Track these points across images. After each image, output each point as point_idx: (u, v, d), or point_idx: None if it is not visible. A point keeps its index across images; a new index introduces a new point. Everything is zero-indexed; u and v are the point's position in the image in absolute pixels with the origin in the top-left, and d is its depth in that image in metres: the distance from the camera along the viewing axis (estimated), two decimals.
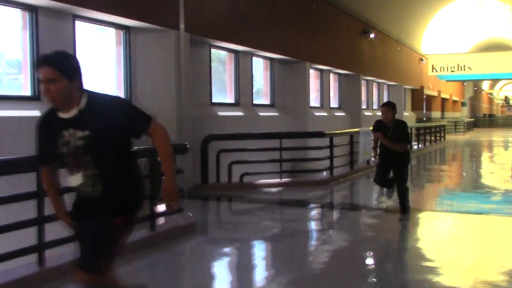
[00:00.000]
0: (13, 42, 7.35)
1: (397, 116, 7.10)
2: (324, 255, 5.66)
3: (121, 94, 9.28)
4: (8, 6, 7.13)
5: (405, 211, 7.24)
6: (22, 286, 4.26)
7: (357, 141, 11.87)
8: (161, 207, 6.44)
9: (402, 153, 7.05)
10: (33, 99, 7.39)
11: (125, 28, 9.21)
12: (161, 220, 6.26)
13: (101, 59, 9.06)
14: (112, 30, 9.11)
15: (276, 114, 14.22)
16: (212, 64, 11.70)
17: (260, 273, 5.20)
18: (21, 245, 4.42)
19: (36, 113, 7.19)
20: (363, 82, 20.82)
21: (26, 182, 4.46)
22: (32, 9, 7.34)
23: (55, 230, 4.63)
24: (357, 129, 12.41)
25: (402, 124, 7.14)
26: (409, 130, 6.79)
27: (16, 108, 7.04)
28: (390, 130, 6.93)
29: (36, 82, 7.43)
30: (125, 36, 9.29)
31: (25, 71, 7.43)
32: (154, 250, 5.55)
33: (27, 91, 7.42)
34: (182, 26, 9.52)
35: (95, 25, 8.70)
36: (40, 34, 7.40)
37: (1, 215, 4.40)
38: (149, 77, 9.45)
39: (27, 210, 4.53)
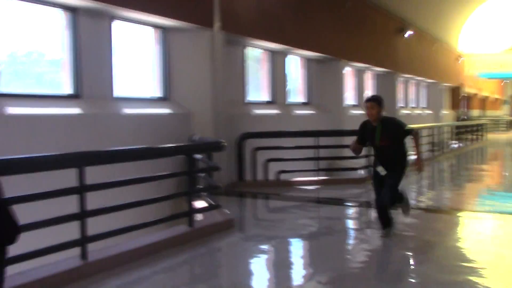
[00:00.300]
0: (55, 42, 7.52)
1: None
2: (362, 254, 5.59)
3: (159, 93, 9.40)
4: (50, 6, 7.30)
5: (388, 224, 5.94)
6: (66, 279, 4.35)
7: None
8: (199, 204, 6.50)
9: (400, 156, 5.80)
10: (73, 97, 7.56)
11: (162, 28, 9.32)
12: (199, 217, 6.30)
13: (139, 58, 9.18)
14: (150, 29, 9.23)
15: (311, 112, 14.15)
16: (247, 63, 11.72)
17: (297, 271, 5.17)
18: (65, 239, 4.52)
19: (75, 110, 7.37)
20: (399, 80, 20.50)
21: (68, 177, 4.56)
22: (73, 10, 7.51)
23: (97, 225, 4.75)
24: None
25: (392, 120, 5.86)
26: (405, 126, 5.76)
27: (56, 106, 7.21)
28: (377, 130, 5.69)
29: (76, 80, 7.61)
30: (162, 35, 9.40)
31: (65, 70, 7.60)
32: (192, 246, 5.59)
33: (67, 90, 7.59)
34: (217, 25, 9.56)
35: (134, 24, 8.82)
36: (80, 34, 7.57)
37: (46, 209, 4.50)
38: (185, 76, 9.53)
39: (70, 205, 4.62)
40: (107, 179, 4.97)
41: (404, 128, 5.77)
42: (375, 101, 5.76)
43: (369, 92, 18.61)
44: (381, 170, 5.79)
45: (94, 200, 4.73)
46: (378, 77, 19.41)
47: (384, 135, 5.67)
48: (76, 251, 4.61)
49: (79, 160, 4.57)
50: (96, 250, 4.79)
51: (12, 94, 6.75)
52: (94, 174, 4.78)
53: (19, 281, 4.09)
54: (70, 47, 7.56)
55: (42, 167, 4.50)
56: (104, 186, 4.91)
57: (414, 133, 5.83)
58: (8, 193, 4.07)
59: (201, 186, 6.95)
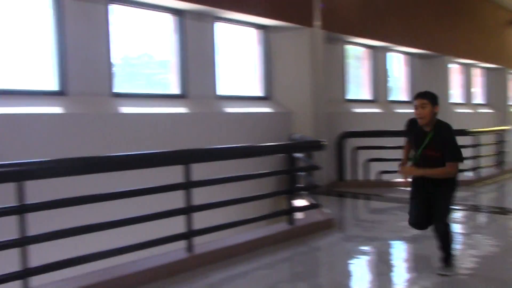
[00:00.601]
0: (163, 45, 7.92)
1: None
2: (470, 260, 5.31)
3: (260, 92, 9.57)
4: (160, 11, 7.71)
5: (448, 263, 4.67)
6: (173, 270, 4.58)
7: (503, 141, 10.99)
8: (299, 203, 6.54)
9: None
10: (180, 97, 7.92)
11: (263, 27, 9.46)
12: (299, 216, 6.34)
13: (241, 58, 9.40)
14: (251, 30, 9.42)
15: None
16: (347, 61, 11.57)
17: (400, 274, 5.03)
18: (172, 232, 4.75)
19: (182, 109, 7.72)
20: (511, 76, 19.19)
21: (175, 174, 4.78)
22: (180, 13, 7.87)
23: (202, 219, 4.94)
24: (507, 127, 11.51)
25: (445, 128, 4.43)
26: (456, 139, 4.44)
27: (164, 105, 7.60)
28: (427, 137, 4.42)
29: (182, 81, 7.97)
30: (263, 35, 9.55)
31: (173, 71, 7.99)
32: (292, 244, 5.64)
33: (174, 90, 7.98)
34: (317, 23, 9.54)
35: (235, 25, 9.05)
36: (186, 36, 7.91)
37: (154, 203, 4.76)
38: (286, 75, 9.61)
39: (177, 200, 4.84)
40: (207, 176, 5.13)
41: (451, 144, 4.39)
42: (427, 98, 4.39)
43: (476, 89, 17.63)
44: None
45: (198, 196, 4.92)
46: (488, 74, 18.29)
47: (432, 145, 4.40)
48: (182, 244, 4.83)
49: (186, 157, 4.78)
50: (201, 244, 4.99)
51: (125, 94, 7.21)
52: (196, 171, 4.96)
53: (133, 269, 4.37)
54: (177, 49, 7.93)
55: (152, 163, 4.77)
56: (209, 183, 5.10)
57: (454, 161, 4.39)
58: (123, 187, 4.38)
59: (301, 185, 6.97)
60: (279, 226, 5.90)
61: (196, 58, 8.06)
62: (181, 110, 7.74)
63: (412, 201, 4.77)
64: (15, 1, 6.14)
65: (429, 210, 4.60)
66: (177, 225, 4.83)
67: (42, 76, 6.44)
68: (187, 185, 4.76)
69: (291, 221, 5.89)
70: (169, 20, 7.89)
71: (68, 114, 6.31)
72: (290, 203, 5.94)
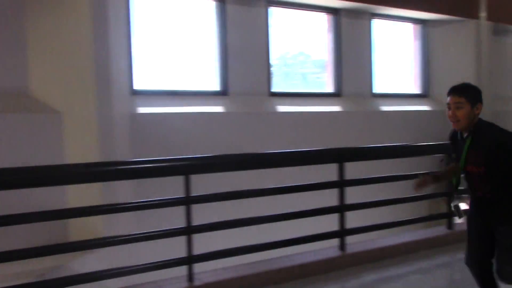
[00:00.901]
0: (319, 44, 8.02)
1: None
2: None
3: (418, 89, 9.21)
4: (315, 11, 7.82)
5: None
6: (325, 267, 4.62)
7: None
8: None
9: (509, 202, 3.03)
10: (335, 95, 7.96)
11: (421, 22, 9.07)
12: (459, 220, 5.97)
13: (397, 54, 9.13)
14: (408, 25, 9.09)
15: None
16: None
17: None
18: (321, 230, 4.79)
19: (336, 108, 7.74)
20: None
21: (330, 172, 4.82)
22: (335, 12, 7.89)
23: (355, 219, 4.92)
24: None
25: (490, 129, 3.10)
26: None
27: (319, 104, 7.69)
28: (465, 146, 3.12)
29: (337, 79, 7.99)
30: (421, 30, 9.15)
31: (328, 70, 8.05)
32: (451, 249, 5.34)
33: (329, 89, 8.03)
34: (482, 15, 8.86)
35: (392, 21, 8.81)
36: (341, 34, 7.91)
37: (299, 201, 4.85)
38: (446, 71, 9.09)
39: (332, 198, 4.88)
40: (359, 175, 5.06)
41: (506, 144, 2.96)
42: (462, 94, 3.13)
43: None
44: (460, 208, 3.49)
45: (351, 194, 4.90)
46: None
47: (472, 155, 3.09)
48: (334, 242, 4.86)
49: (341, 155, 4.79)
50: (353, 243, 4.97)
51: (281, 93, 7.45)
52: (349, 169, 4.94)
53: (284, 264, 4.51)
54: (332, 48, 7.97)
55: (307, 161, 4.88)
56: (363, 182, 5.05)
57: None
58: (273, 184, 4.53)
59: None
60: (437, 229, 5.62)
61: (351, 56, 8.02)
62: (336, 108, 7.77)
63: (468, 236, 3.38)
64: (182, 10, 6.71)
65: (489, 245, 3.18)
66: (325, 223, 4.85)
67: (206, 78, 6.94)
68: (341, 184, 4.77)
69: (450, 225, 5.58)
70: (324, 19, 7.96)
71: (229, 113, 6.71)
72: (449, 206, 5.63)
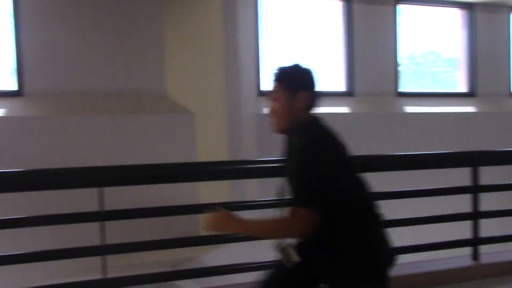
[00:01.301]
0: (451, 41, 7.61)
1: None
2: None
3: None
4: (447, 6, 7.43)
5: None
6: (455, 276, 4.38)
7: None
8: None
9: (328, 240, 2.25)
10: (468, 95, 7.50)
11: None
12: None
13: None
14: None
15: None
16: None
17: None
18: (456, 237, 4.55)
19: (470, 109, 7.30)
20: None
21: (462, 176, 4.56)
22: (469, 7, 7.44)
23: (490, 227, 4.61)
24: None
25: (304, 140, 2.27)
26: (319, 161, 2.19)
27: (451, 104, 7.30)
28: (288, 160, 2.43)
29: (471, 78, 7.52)
30: None
31: (461, 68, 7.60)
32: None
33: (462, 88, 7.59)
34: None
35: None
36: (476, 30, 7.43)
37: (440, 206, 4.64)
38: None
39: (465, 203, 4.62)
40: (494, 180, 4.72)
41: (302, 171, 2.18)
42: (278, 81, 2.36)
43: None
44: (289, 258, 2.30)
45: (486, 201, 4.60)
46: None
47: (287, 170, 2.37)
48: (466, 250, 4.58)
49: (476, 159, 4.51)
50: (488, 253, 4.64)
51: (410, 94, 7.19)
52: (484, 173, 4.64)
53: (410, 271, 4.34)
54: (466, 45, 7.52)
55: (439, 164, 4.65)
56: (500, 188, 4.72)
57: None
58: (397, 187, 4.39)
59: None
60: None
61: (487, 53, 7.50)
62: (470, 109, 7.32)
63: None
64: (309, 10, 6.76)
65: None
66: (454, 230, 4.60)
67: (333, 78, 6.92)
68: (476, 189, 4.49)
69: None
70: (457, 15, 7.53)
71: (355, 114, 6.62)
72: None
